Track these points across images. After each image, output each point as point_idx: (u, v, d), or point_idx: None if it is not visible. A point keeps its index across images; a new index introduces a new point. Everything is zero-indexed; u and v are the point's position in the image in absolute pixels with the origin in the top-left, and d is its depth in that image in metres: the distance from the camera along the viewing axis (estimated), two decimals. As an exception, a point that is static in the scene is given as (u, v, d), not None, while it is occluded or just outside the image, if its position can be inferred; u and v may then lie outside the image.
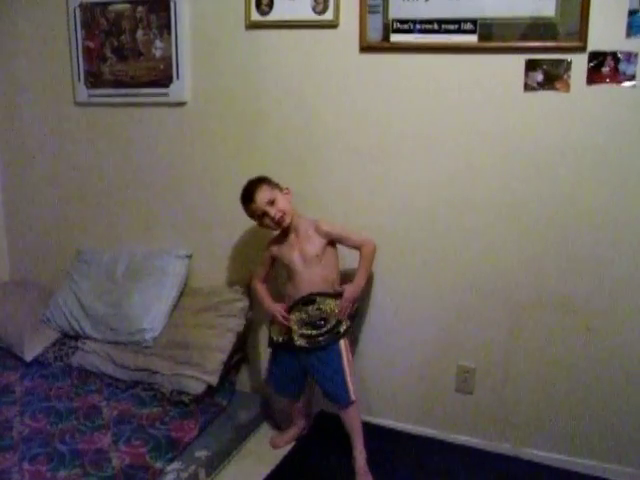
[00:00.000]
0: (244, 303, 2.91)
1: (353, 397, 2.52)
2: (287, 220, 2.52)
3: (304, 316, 2.53)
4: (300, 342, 2.53)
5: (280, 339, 2.60)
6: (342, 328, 2.53)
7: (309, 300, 2.52)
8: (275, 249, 2.63)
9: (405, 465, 2.59)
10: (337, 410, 2.58)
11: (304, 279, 2.54)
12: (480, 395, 2.70)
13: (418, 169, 2.62)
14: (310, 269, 2.53)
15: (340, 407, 2.55)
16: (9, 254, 3.65)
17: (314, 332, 2.52)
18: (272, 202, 2.49)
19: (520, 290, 2.57)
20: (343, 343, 2.54)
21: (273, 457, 2.64)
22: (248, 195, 2.53)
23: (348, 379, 2.52)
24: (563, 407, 2.59)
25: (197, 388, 2.67)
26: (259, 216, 2.53)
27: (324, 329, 2.51)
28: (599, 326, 2.48)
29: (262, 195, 2.50)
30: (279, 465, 2.59)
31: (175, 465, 2.35)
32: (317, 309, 2.52)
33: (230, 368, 2.88)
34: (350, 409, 2.53)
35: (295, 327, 2.54)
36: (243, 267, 2.97)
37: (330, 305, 2.52)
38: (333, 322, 2.51)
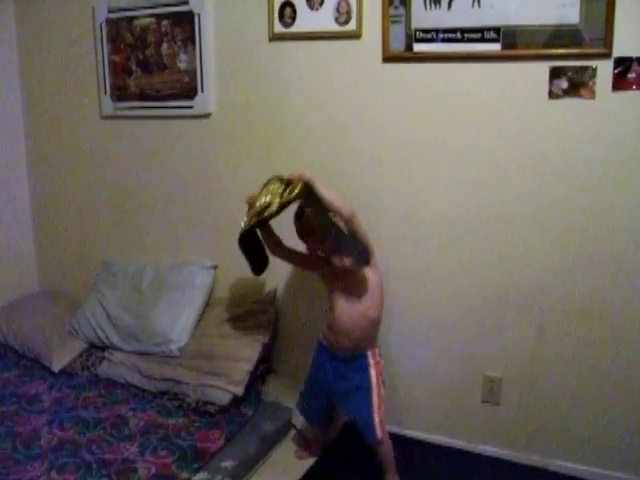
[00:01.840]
0: (270, 314, 2.92)
1: (380, 436, 2.44)
2: None
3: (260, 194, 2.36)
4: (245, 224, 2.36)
5: (243, 227, 2.41)
6: (267, 211, 2.28)
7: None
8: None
9: (432, 476, 2.57)
10: None
11: (343, 312, 2.45)
12: (507, 405, 2.68)
13: (443, 178, 2.61)
14: (350, 302, 2.43)
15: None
16: (38, 265, 3.71)
17: (254, 213, 2.33)
18: None
19: (546, 299, 2.54)
20: (375, 377, 2.46)
21: (298, 468, 2.64)
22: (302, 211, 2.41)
23: (375, 417, 2.44)
24: (592, 418, 2.55)
25: (223, 398, 2.68)
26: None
27: (258, 209, 2.31)
28: (628, 336, 2.45)
29: None
30: (304, 476, 2.59)
31: (201, 475, 2.35)
32: (264, 186, 2.34)
33: (256, 378, 2.88)
34: (383, 442, 2.46)
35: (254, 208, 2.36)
36: (269, 278, 2.98)
37: (275, 185, 2.32)
38: (267, 201, 2.30)
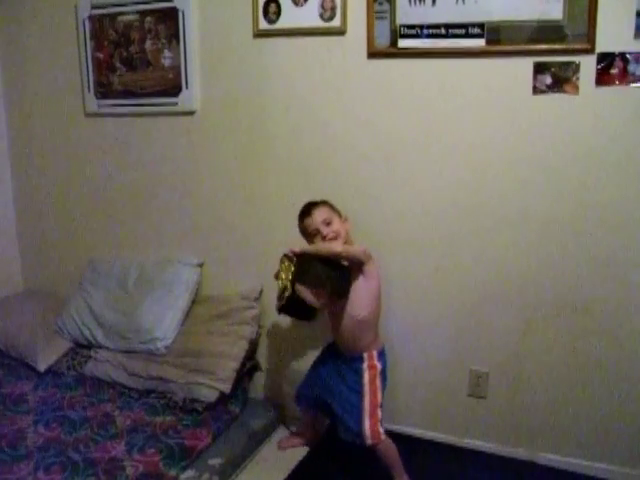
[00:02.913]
0: (256, 311, 2.92)
1: (369, 442, 2.40)
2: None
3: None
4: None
5: (277, 306, 2.50)
6: (286, 293, 2.38)
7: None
8: None
9: (418, 471, 2.56)
10: None
11: (336, 310, 2.49)
12: (493, 399, 2.69)
13: (428, 174, 2.62)
14: (340, 303, 2.46)
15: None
16: (22, 264, 3.68)
17: (279, 295, 2.44)
18: (328, 223, 2.46)
19: (533, 293, 2.55)
20: (367, 381, 2.45)
21: (286, 465, 2.64)
22: (307, 209, 2.52)
23: (365, 423, 2.41)
24: (578, 411, 2.57)
25: (210, 396, 2.67)
26: (311, 234, 2.49)
27: (282, 290, 2.42)
28: (615, 330, 2.47)
29: (320, 213, 2.48)
30: (292, 473, 2.59)
31: (189, 473, 2.34)
32: (280, 263, 2.45)
33: (242, 375, 2.87)
34: (377, 447, 2.44)
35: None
36: (255, 275, 2.97)
37: (285, 264, 2.43)
38: (284, 285, 2.41)
